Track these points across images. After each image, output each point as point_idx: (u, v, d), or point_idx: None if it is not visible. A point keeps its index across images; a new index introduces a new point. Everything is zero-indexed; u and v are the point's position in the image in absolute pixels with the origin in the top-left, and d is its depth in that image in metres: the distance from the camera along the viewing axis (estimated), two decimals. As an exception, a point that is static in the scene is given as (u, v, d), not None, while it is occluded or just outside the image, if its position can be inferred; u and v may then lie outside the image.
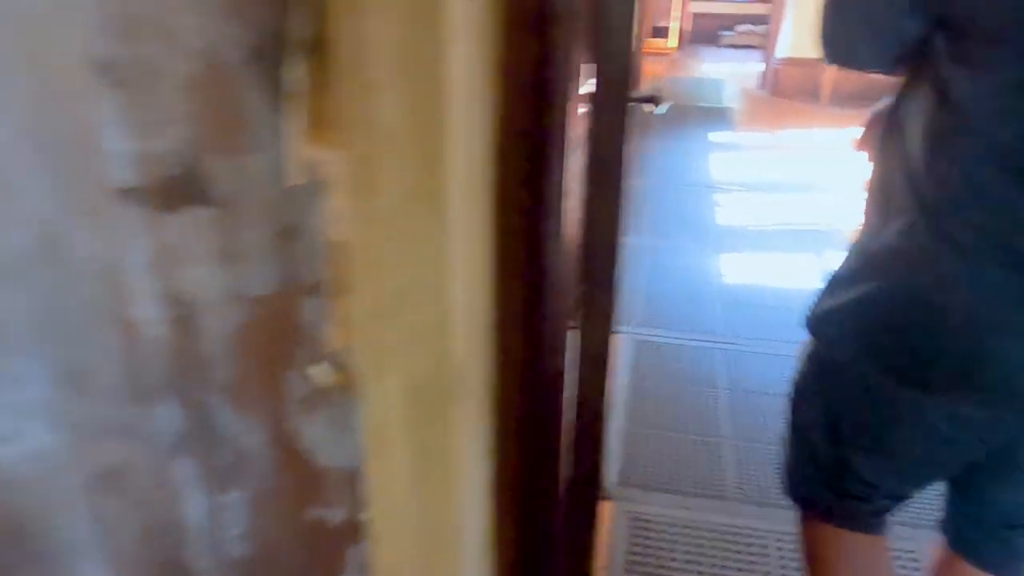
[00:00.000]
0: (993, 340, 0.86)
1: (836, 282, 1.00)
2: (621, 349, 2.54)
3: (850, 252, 1.00)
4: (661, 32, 7.37)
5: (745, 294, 2.96)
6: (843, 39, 0.97)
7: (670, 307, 2.85)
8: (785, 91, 6.14)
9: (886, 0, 0.88)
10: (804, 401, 1.09)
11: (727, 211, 3.84)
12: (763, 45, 6.59)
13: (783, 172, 4.43)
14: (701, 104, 5.98)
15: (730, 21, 8.80)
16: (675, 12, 7.33)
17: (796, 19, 6.00)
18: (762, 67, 6.47)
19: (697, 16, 8.96)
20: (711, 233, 3.59)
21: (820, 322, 1.01)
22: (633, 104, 1.59)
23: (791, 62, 6.10)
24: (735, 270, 3.17)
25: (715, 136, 5.12)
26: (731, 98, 6.14)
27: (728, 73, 7.22)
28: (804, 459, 1.12)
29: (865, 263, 0.96)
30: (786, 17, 6.04)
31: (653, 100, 1.56)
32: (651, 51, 7.47)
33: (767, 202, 3.97)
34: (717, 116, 5.58)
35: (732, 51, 8.30)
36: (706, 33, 8.88)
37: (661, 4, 7.39)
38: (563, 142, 0.72)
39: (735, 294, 2.95)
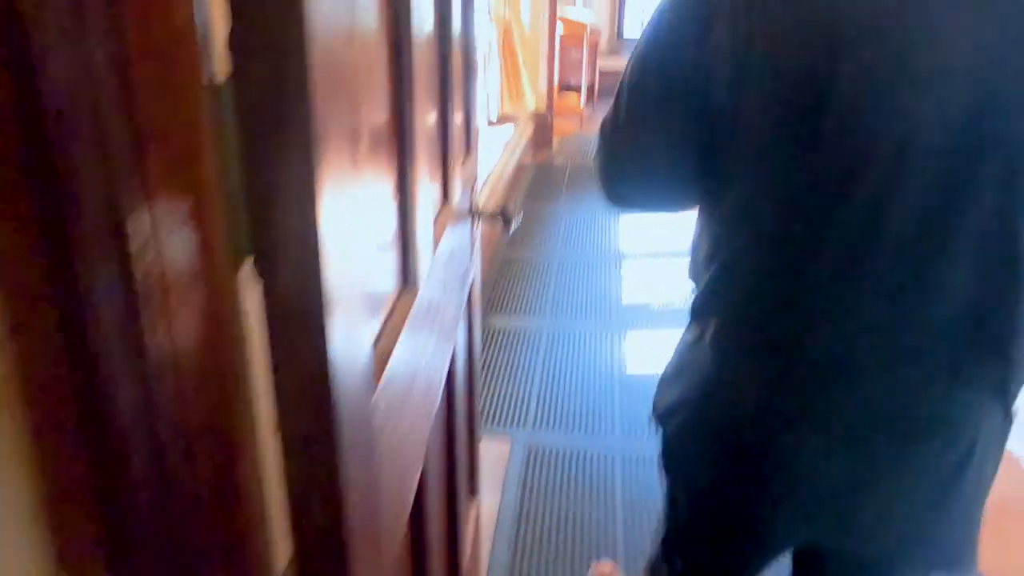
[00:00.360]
0: (781, 437, 0.88)
1: (664, 378, 1.08)
2: (508, 459, 2.33)
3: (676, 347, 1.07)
4: (572, 89, 7.38)
5: (648, 384, 2.80)
6: (622, 184, 0.99)
7: (565, 405, 2.66)
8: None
9: (656, 141, 0.90)
10: (663, 477, 1.15)
11: (633, 284, 3.73)
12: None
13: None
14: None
15: (640, 77, 8.90)
16: (586, 69, 7.36)
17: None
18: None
19: (604, 74, 9.05)
20: (615, 311, 3.46)
21: (657, 413, 1.07)
22: (485, 219, 1.40)
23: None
24: (638, 354, 3.02)
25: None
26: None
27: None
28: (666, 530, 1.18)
29: (678, 362, 1.05)
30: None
31: (504, 217, 1.37)
32: (562, 110, 7.44)
33: (676, 272, 3.88)
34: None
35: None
36: (614, 90, 8.94)
37: (572, 60, 7.41)
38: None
39: (637, 385, 2.79)
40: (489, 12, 4.28)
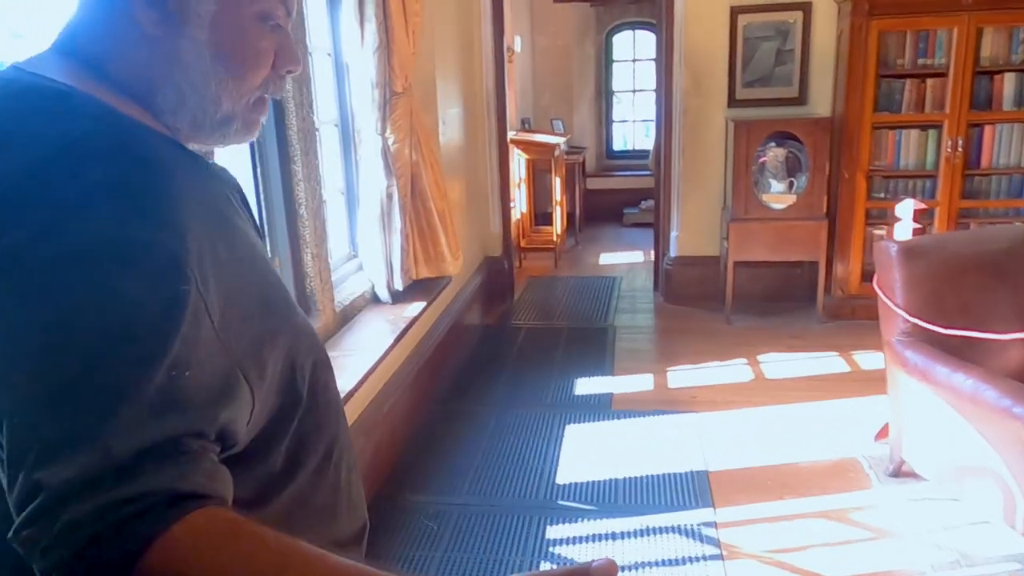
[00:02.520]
0: None
1: None
2: None
3: None
4: (547, 219, 6.39)
5: None
6: None
7: None
8: (682, 295, 4.99)
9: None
10: None
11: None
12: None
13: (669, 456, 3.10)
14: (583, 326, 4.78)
15: (633, 197, 7.91)
16: (563, 195, 6.38)
17: (686, 207, 4.95)
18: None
19: (592, 193, 8.05)
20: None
21: None
22: None
23: (686, 262, 5.00)
24: None
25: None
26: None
27: (626, 270, 6.11)
28: None
29: None
30: (675, 203, 4.98)
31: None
32: (533, 244, 6.39)
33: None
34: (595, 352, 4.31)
35: (636, 232, 7.29)
36: (607, 211, 7.93)
37: (545, 188, 6.46)
38: None
39: None
40: (386, 159, 3.25)
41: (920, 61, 4.28)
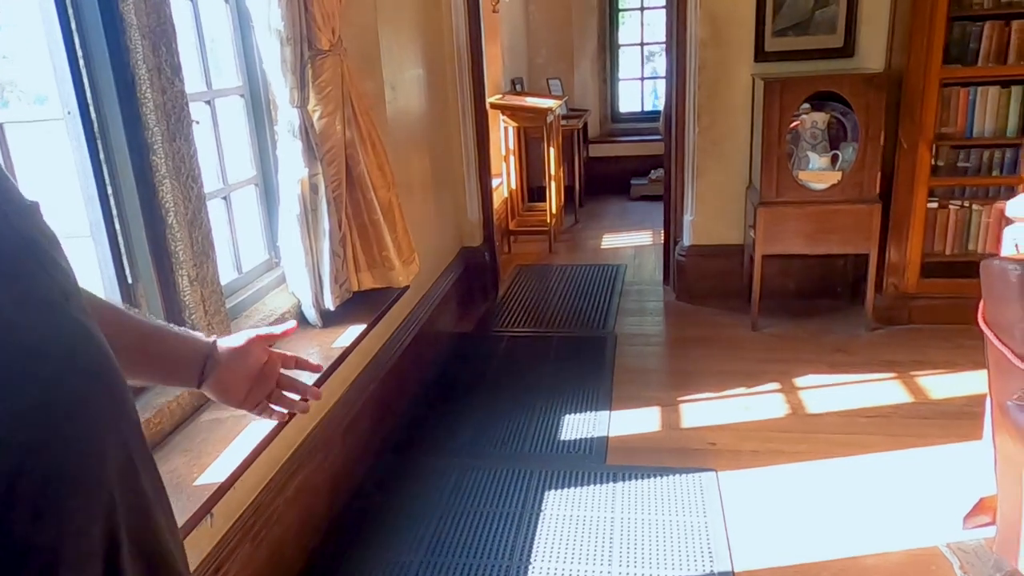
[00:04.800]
0: None
1: None
2: None
3: None
4: (542, 194, 5.53)
5: None
6: None
7: None
8: (698, 292, 4.15)
9: None
10: None
11: None
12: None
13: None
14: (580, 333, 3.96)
15: (641, 165, 7.00)
16: (558, 167, 5.49)
17: (702, 185, 4.08)
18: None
19: (596, 161, 7.13)
20: None
21: None
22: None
23: (702, 251, 4.15)
24: None
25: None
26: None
27: (632, 255, 5.26)
28: None
29: None
30: (688, 181, 4.12)
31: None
32: (525, 226, 5.53)
33: None
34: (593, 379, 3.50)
35: (645, 207, 6.41)
36: (612, 183, 7.04)
37: (538, 159, 5.57)
38: None
39: None
40: (308, 138, 2.42)
41: (1005, -2, 3.36)
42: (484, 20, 4.37)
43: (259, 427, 1.96)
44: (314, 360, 2.41)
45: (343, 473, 2.58)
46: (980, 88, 3.45)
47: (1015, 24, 3.33)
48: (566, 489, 2.52)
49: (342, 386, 2.63)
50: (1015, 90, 3.42)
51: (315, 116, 2.46)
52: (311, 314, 2.59)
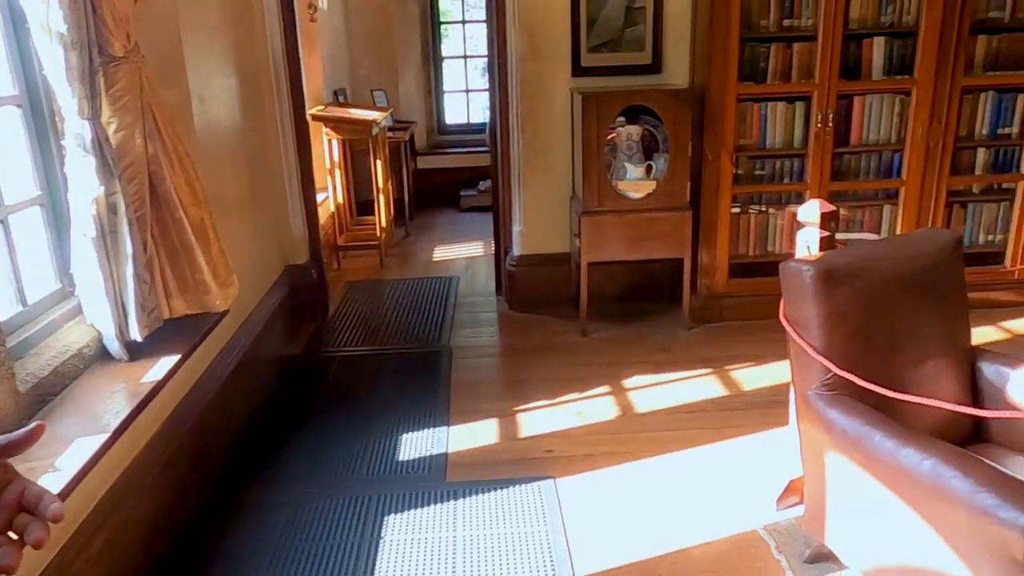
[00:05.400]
0: None
1: None
2: None
3: None
4: (370, 208, 5.41)
5: None
6: None
7: None
8: (529, 301, 4.23)
9: None
10: None
11: None
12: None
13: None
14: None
15: (470, 177, 7.07)
16: (385, 180, 5.40)
17: (529, 195, 4.17)
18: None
19: (424, 173, 7.12)
20: None
21: None
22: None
23: (532, 261, 4.24)
24: None
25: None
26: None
27: (465, 266, 5.27)
28: None
29: None
30: (516, 189, 4.19)
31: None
32: (354, 241, 5.39)
33: None
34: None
35: (475, 218, 6.47)
36: (442, 194, 7.05)
37: (365, 172, 5.44)
38: None
39: None
40: (102, 153, 2.18)
41: (786, 22, 3.70)
42: (301, 29, 4.21)
43: (51, 481, 1.73)
44: (120, 399, 2.20)
45: (160, 521, 2.35)
46: (770, 103, 3.79)
47: (796, 46, 3.70)
48: (407, 512, 2.45)
49: (154, 424, 2.39)
50: (799, 105, 3.79)
51: (111, 129, 2.23)
52: (115, 347, 2.35)
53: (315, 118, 4.91)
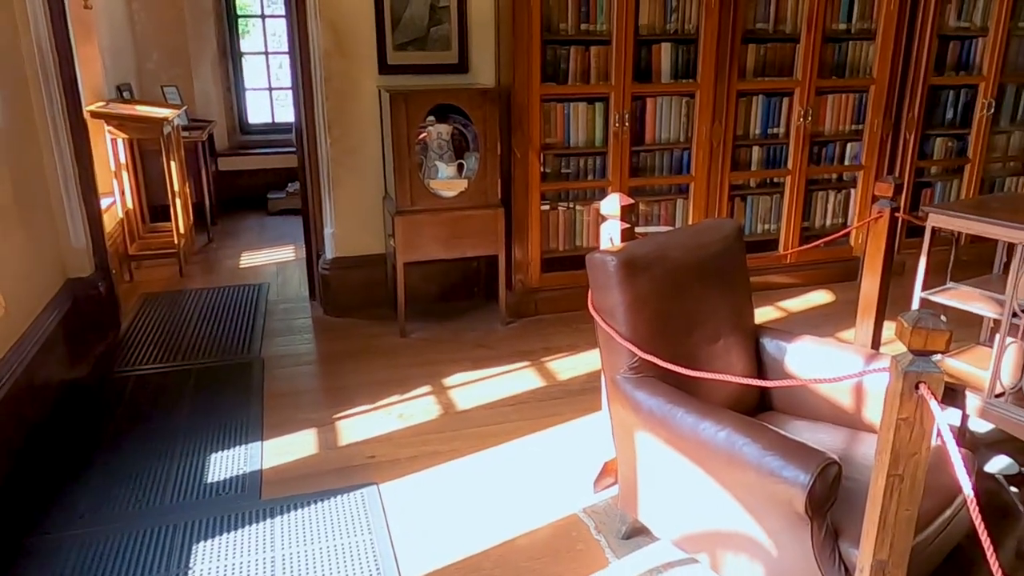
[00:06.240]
0: None
1: None
2: None
3: None
4: (166, 214, 4.98)
5: None
6: None
7: None
8: (346, 304, 4.11)
9: None
10: None
11: None
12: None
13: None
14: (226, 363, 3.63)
15: (278, 179, 6.75)
16: (183, 181, 5.00)
17: (340, 195, 4.05)
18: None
19: (227, 176, 6.71)
20: None
21: None
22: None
23: (346, 263, 4.12)
24: None
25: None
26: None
27: (275, 272, 5.02)
28: None
29: None
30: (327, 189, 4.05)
31: None
32: (149, 250, 4.96)
33: None
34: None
35: (285, 222, 6.19)
36: (247, 197, 6.68)
37: (157, 174, 5.00)
38: None
39: None
40: None
41: (584, 27, 3.87)
42: (72, 17, 3.79)
43: None
44: None
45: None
46: (572, 104, 3.95)
47: (593, 49, 3.88)
48: (218, 537, 2.27)
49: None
50: (598, 106, 3.98)
51: None
52: None
53: (95, 115, 4.45)
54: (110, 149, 4.70)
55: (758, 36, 4.16)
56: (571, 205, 4.14)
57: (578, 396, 3.15)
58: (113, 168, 4.76)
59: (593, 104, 3.99)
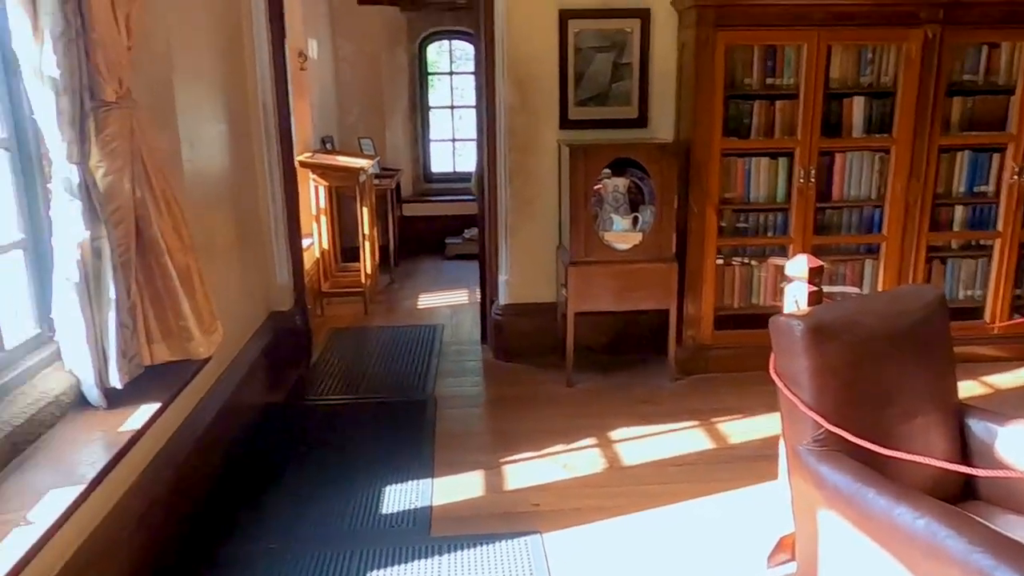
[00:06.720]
0: None
1: None
2: None
3: None
4: (355, 255, 5.40)
5: None
6: None
7: None
8: (515, 350, 4.21)
9: None
10: None
11: None
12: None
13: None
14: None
15: (455, 225, 7.09)
16: (371, 226, 5.41)
17: (515, 243, 4.19)
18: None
19: (409, 221, 7.15)
20: None
21: None
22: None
23: (518, 310, 4.23)
24: None
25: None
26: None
27: (450, 314, 5.25)
28: None
29: None
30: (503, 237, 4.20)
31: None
32: (339, 288, 5.37)
33: None
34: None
35: (460, 266, 6.47)
36: (426, 242, 7.07)
37: (351, 218, 5.45)
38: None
39: None
40: (90, 198, 2.15)
41: (769, 81, 3.80)
42: (292, 77, 4.25)
43: (22, 535, 1.67)
44: (97, 448, 2.14)
45: (133, 576, 2.26)
46: (754, 158, 3.86)
47: (779, 104, 3.79)
48: (390, 568, 2.38)
49: (131, 476, 2.33)
50: (782, 161, 3.86)
51: (99, 173, 2.21)
52: (94, 395, 2.30)
53: (303, 164, 4.92)
54: (313, 195, 5.17)
55: (966, 88, 3.87)
56: (748, 261, 4.02)
57: (751, 462, 3.00)
58: (314, 212, 5.22)
59: (776, 159, 3.87)
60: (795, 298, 2.23)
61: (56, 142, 2.10)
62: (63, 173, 2.15)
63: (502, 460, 3.09)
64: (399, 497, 2.82)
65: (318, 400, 3.77)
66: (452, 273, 6.36)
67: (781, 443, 2.16)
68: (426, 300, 5.59)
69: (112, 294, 2.24)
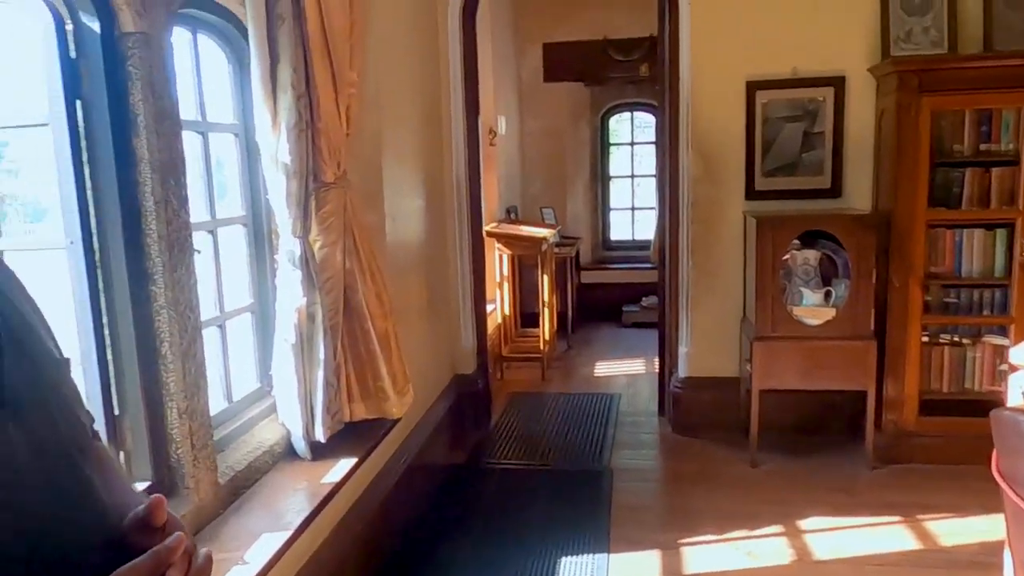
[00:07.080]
0: None
1: None
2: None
3: None
4: (534, 320, 5.54)
5: None
6: None
7: None
8: (694, 424, 4.08)
9: None
10: None
11: None
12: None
13: None
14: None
15: (633, 292, 7.07)
16: (552, 294, 5.54)
17: (697, 316, 4.10)
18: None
19: (587, 288, 7.21)
20: None
21: None
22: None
23: (698, 384, 4.11)
24: None
25: None
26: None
27: (626, 383, 5.21)
28: None
29: None
30: (684, 302, 4.13)
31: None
32: (518, 353, 5.51)
33: None
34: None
35: (637, 334, 6.42)
36: (604, 309, 7.09)
37: (531, 285, 5.62)
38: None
39: None
40: (308, 268, 2.42)
41: (983, 147, 3.51)
42: (483, 152, 4.53)
43: (239, 574, 1.84)
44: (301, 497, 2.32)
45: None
46: (966, 230, 3.55)
47: (995, 171, 3.47)
48: (564, 643, 2.35)
49: (329, 525, 2.50)
50: (999, 232, 3.52)
51: (316, 246, 2.47)
52: (301, 446, 2.51)
53: (489, 234, 5.17)
54: (496, 263, 5.40)
55: None
56: (958, 339, 3.65)
57: (965, 570, 2.67)
58: (497, 279, 5.44)
59: (993, 231, 3.53)
60: (1021, 389, 2.00)
61: (284, 219, 2.38)
62: (288, 246, 2.42)
63: (680, 541, 2.98)
64: (575, 570, 2.79)
65: (497, 463, 3.85)
66: (629, 341, 6.32)
67: (1006, 552, 1.91)
68: (603, 368, 5.59)
69: (321, 355, 2.46)
